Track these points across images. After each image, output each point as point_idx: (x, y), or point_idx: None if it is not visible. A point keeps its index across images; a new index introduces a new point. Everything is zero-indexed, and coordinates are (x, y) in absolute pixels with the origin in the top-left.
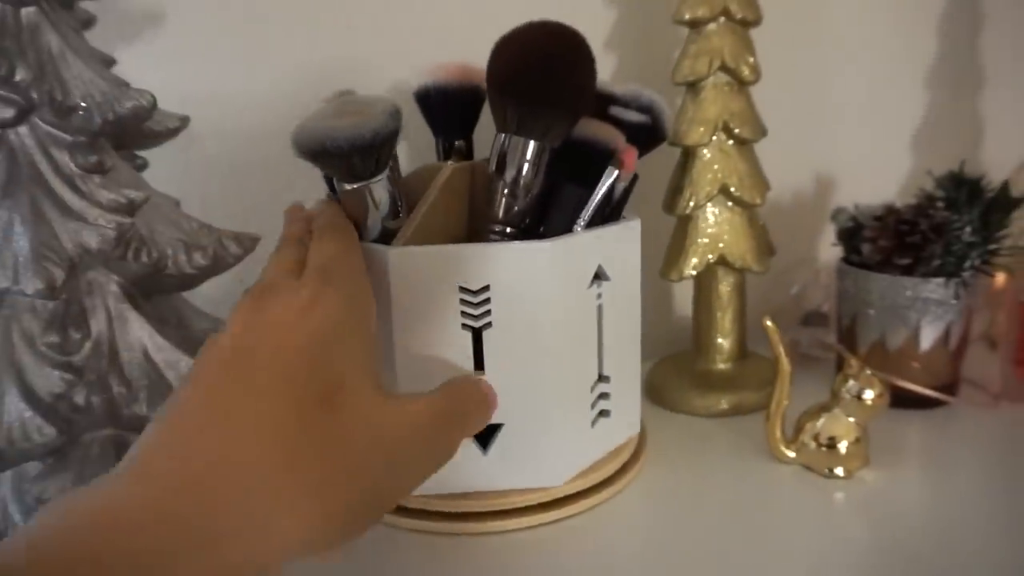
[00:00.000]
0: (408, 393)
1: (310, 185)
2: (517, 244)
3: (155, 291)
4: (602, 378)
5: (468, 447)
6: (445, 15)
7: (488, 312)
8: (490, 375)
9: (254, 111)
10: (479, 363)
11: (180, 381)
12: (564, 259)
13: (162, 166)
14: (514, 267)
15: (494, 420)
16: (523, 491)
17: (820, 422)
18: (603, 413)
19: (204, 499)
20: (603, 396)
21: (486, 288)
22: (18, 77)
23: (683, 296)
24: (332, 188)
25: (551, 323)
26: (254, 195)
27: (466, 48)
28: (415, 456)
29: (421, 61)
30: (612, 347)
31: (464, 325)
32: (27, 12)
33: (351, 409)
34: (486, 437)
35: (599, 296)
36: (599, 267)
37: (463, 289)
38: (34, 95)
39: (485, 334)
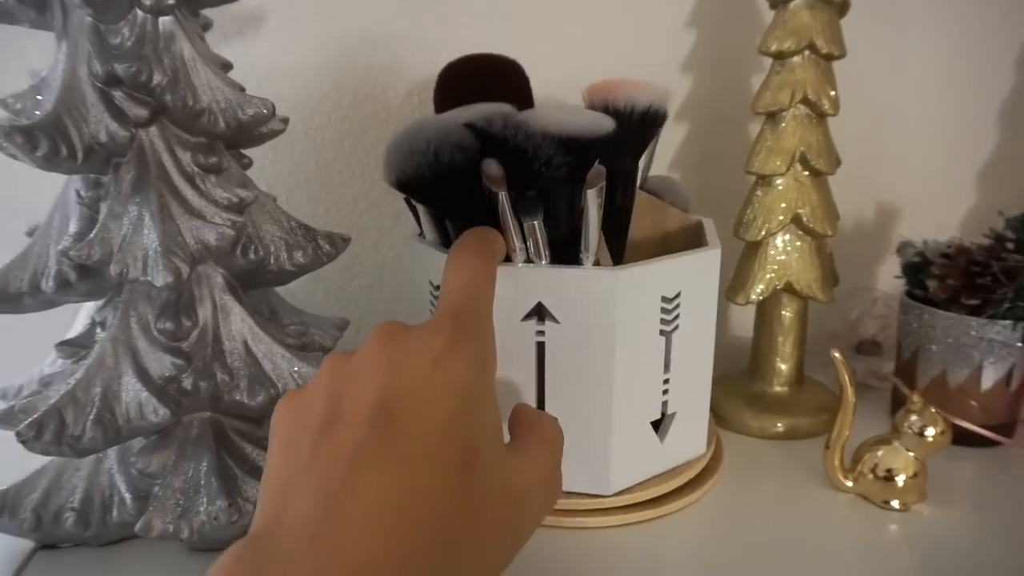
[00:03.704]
0: (518, 443)
1: (390, 188)
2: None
3: (253, 285)
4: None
5: None
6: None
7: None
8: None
9: (343, 112)
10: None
11: (317, 419)
12: (695, 273)
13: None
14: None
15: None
16: (582, 496)
17: (880, 454)
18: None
19: None
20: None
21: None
22: (154, 82)
23: (739, 315)
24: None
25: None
26: (338, 193)
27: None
28: (540, 504)
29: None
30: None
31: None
32: (164, 21)
33: (487, 473)
34: None
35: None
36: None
37: None
38: (167, 98)
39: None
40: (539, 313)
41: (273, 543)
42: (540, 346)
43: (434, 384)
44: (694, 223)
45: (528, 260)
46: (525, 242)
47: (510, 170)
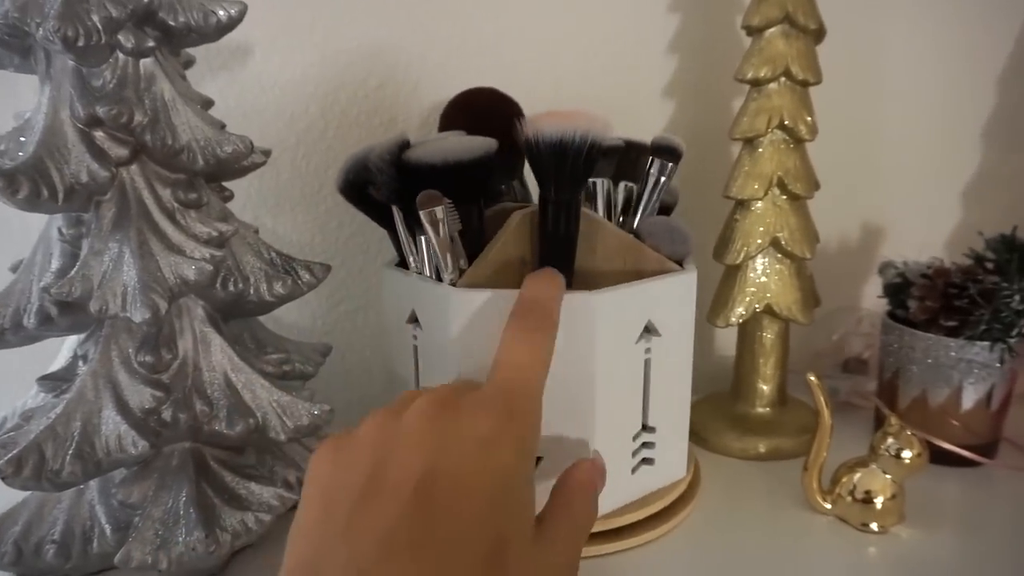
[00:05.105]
0: (549, 527)
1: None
2: (569, 294)
3: (233, 315)
4: (646, 428)
5: None
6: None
7: None
8: None
9: (328, 141)
10: None
11: (353, 490)
12: (614, 311)
13: (238, 192)
14: (564, 315)
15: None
16: None
17: (857, 476)
18: (646, 461)
19: None
20: (647, 445)
21: None
22: (135, 122)
23: (723, 337)
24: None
25: (594, 372)
26: (323, 220)
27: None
28: None
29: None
30: (660, 398)
31: None
32: (144, 62)
33: (515, 563)
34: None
35: (647, 351)
36: (648, 322)
37: None
38: (147, 138)
39: None
40: (415, 318)
41: None
42: (415, 348)
43: (477, 469)
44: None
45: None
46: (418, 254)
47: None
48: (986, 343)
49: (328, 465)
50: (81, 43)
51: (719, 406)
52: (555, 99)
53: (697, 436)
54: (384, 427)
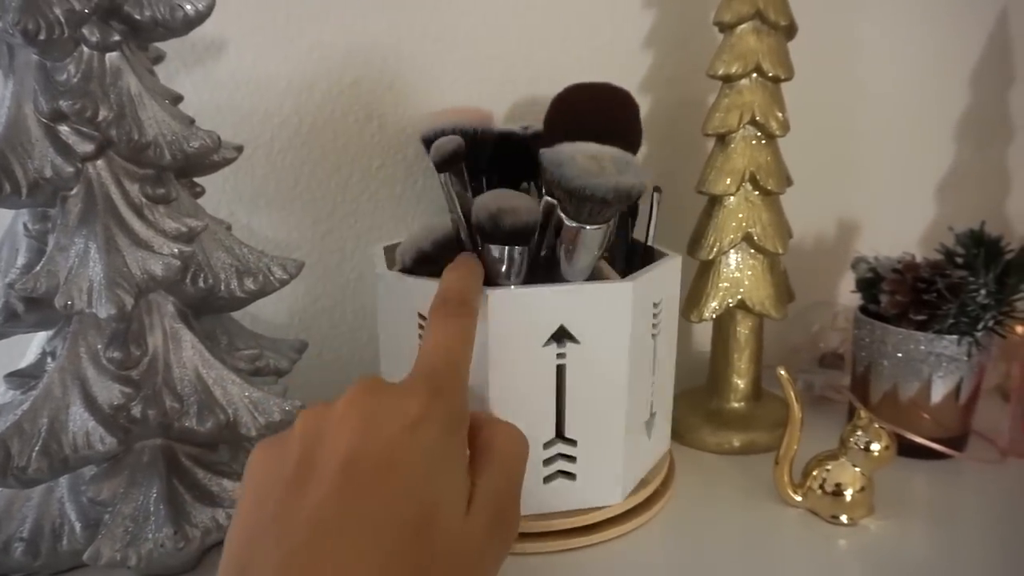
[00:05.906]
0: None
1: (351, 211)
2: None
3: (205, 311)
4: (563, 439)
5: None
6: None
7: None
8: None
9: (302, 137)
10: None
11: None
12: (513, 310)
13: (213, 188)
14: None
15: None
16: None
17: (828, 469)
18: (564, 473)
19: None
20: (564, 457)
21: None
22: (100, 117)
23: (701, 331)
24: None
25: (488, 368)
26: (299, 217)
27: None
28: (493, 557)
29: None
30: (581, 410)
31: None
32: (111, 56)
33: (443, 535)
34: None
35: (561, 356)
36: (562, 327)
37: None
38: (113, 133)
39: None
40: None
41: None
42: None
43: (403, 446)
44: None
45: None
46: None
47: None
48: (954, 337)
49: (261, 461)
50: (43, 36)
51: (694, 401)
52: (530, 94)
53: (673, 431)
54: (314, 416)
